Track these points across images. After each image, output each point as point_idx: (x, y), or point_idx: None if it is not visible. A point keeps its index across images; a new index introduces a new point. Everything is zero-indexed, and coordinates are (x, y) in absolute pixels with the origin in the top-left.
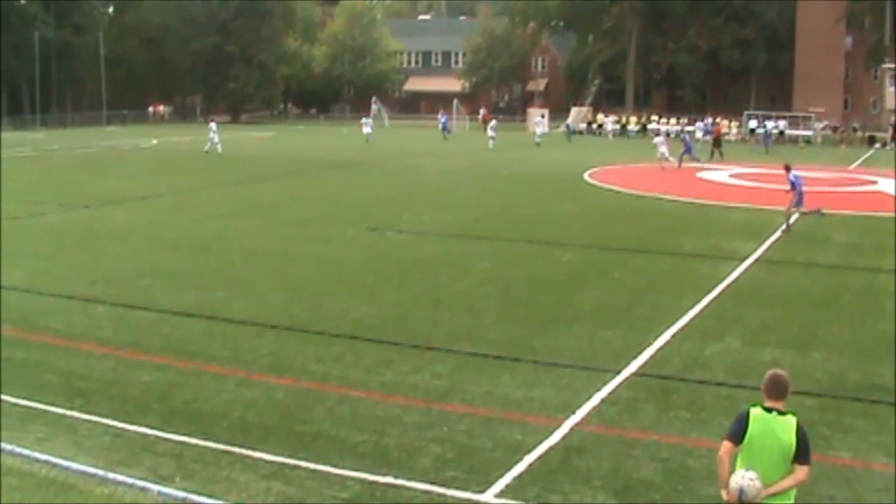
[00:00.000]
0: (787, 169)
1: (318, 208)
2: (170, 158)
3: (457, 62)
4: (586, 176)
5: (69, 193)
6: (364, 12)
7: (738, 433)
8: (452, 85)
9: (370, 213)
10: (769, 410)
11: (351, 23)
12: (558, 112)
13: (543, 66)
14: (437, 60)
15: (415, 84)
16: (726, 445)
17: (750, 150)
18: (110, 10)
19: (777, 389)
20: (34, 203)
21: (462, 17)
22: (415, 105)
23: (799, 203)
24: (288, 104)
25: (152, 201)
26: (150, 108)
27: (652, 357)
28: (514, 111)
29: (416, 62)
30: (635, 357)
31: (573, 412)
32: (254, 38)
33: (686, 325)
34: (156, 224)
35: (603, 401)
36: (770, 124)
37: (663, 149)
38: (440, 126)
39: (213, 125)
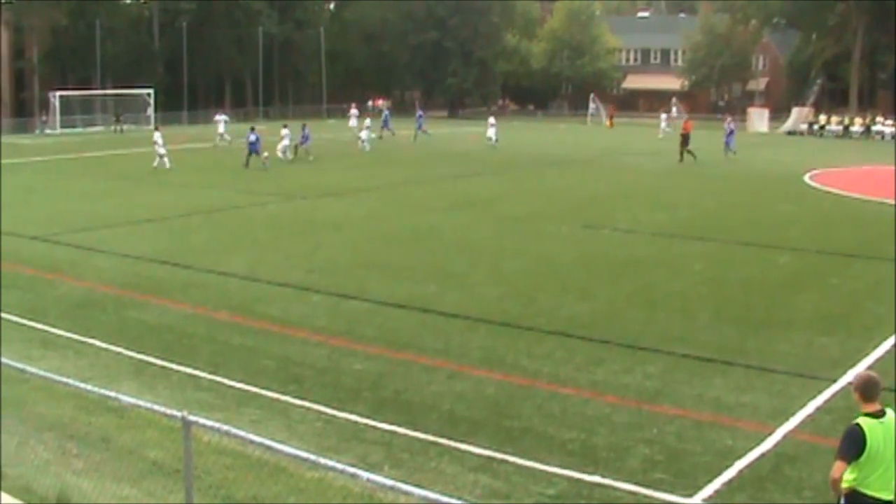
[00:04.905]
0: None
1: (534, 204)
2: (387, 152)
3: (676, 60)
4: (806, 178)
5: (289, 184)
6: (583, 9)
7: (856, 452)
8: (671, 83)
9: (585, 210)
10: (874, 415)
11: (570, 19)
12: (779, 112)
13: (764, 65)
14: (655, 58)
15: (633, 82)
16: (842, 466)
17: None
18: (331, 5)
19: (876, 390)
20: (255, 193)
21: (682, 15)
22: (633, 103)
23: None
24: (505, 100)
25: (369, 193)
26: (369, 102)
27: (870, 367)
28: (733, 110)
29: (635, 59)
30: (853, 366)
31: (786, 419)
32: (472, 34)
33: None
34: (371, 216)
35: (818, 409)
36: None
37: None
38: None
39: (284, 130)
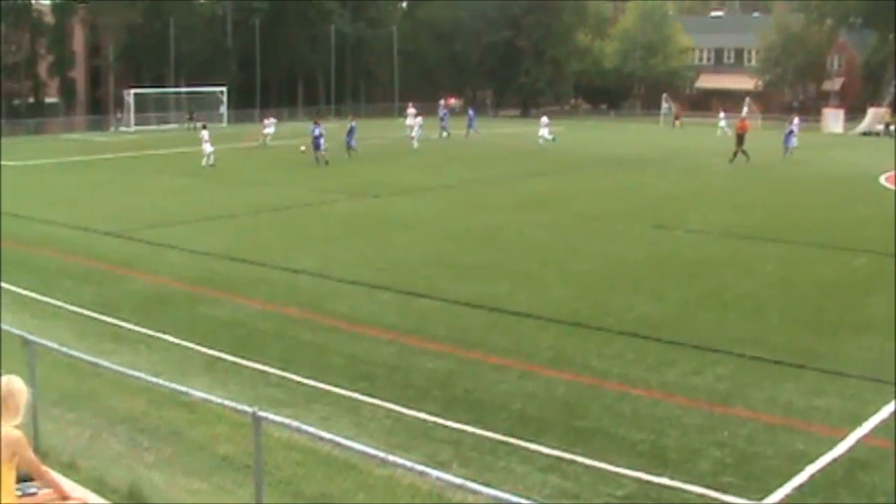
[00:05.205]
0: None
1: (605, 204)
2: (458, 150)
3: (749, 60)
4: (881, 179)
5: (360, 182)
6: (656, 8)
7: None
8: (744, 83)
9: (657, 210)
10: None
11: (642, 19)
12: (854, 113)
13: (839, 65)
14: (729, 58)
15: (706, 81)
16: None
17: None
18: (404, 4)
19: None
20: (325, 191)
21: (756, 14)
22: (705, 103)
23: None
24: (578, 99)
25: (440, 192)
26: (441, 101)
27: None
28: (807, 110)
29: (708, 59)
30: None
31: (859, 424)
32: (545, 33)
33: None
34: (442, 215)
35: (892, 414)
36: None
37: None
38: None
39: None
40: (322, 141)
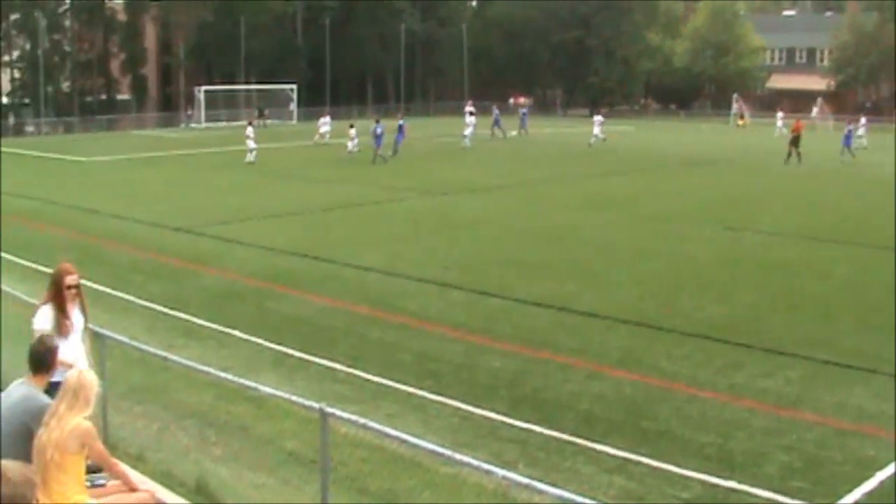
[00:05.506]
0: None
1: (675, 205)
2: (527, 149)
3: (822, 59)
4: None
5: (428, 180)
6: (727, 7)
7: None
8: (816, 83)
9: (727, 211)
10: None
11: (713, 18)
12: None
13: None
14: (801, 57)
15: (777, 81)
16: None
17: None
18: (474, 3)
19: None
20: (395, 188)
21: (828, 13)
22: (777, 103)
23: None
24: (648, 99)
25: (508, 191)
26: (511, 100)
27: None
28: (880, 111)
29: (780, 59)
30: None
31: None
32: (615, 32)
33: None
34: (510, 213)
35: None
36: None
37: None
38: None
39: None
40: (382, 139)
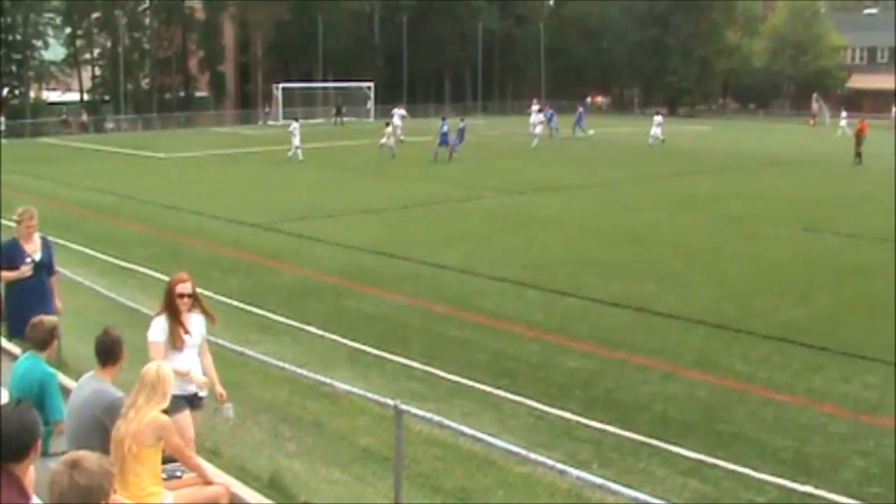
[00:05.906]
0: None
1: (754, 205)
2: (605, 149)
3: None
4: None
5: (505, 179)
6: (807, 6)
7: None
8: None
9: (806, 212)
10: None
11: (793, 17)
12: None
13: None
14: (882, 56)
15: (858, 81)
16: None
17: None
18: (551, 2)
19: None
20: (473, 187)
21: None
22: (857, 103)
23: None
24: (726, 98)
25: (586, 190)
26: (588, 99)
27: None
28: None
29: (861, 58)
30: None
31: None
32: (693, 31)
33: None
34: (588, 213)
35: None
36: None
37: None
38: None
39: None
40: (449, 138)
